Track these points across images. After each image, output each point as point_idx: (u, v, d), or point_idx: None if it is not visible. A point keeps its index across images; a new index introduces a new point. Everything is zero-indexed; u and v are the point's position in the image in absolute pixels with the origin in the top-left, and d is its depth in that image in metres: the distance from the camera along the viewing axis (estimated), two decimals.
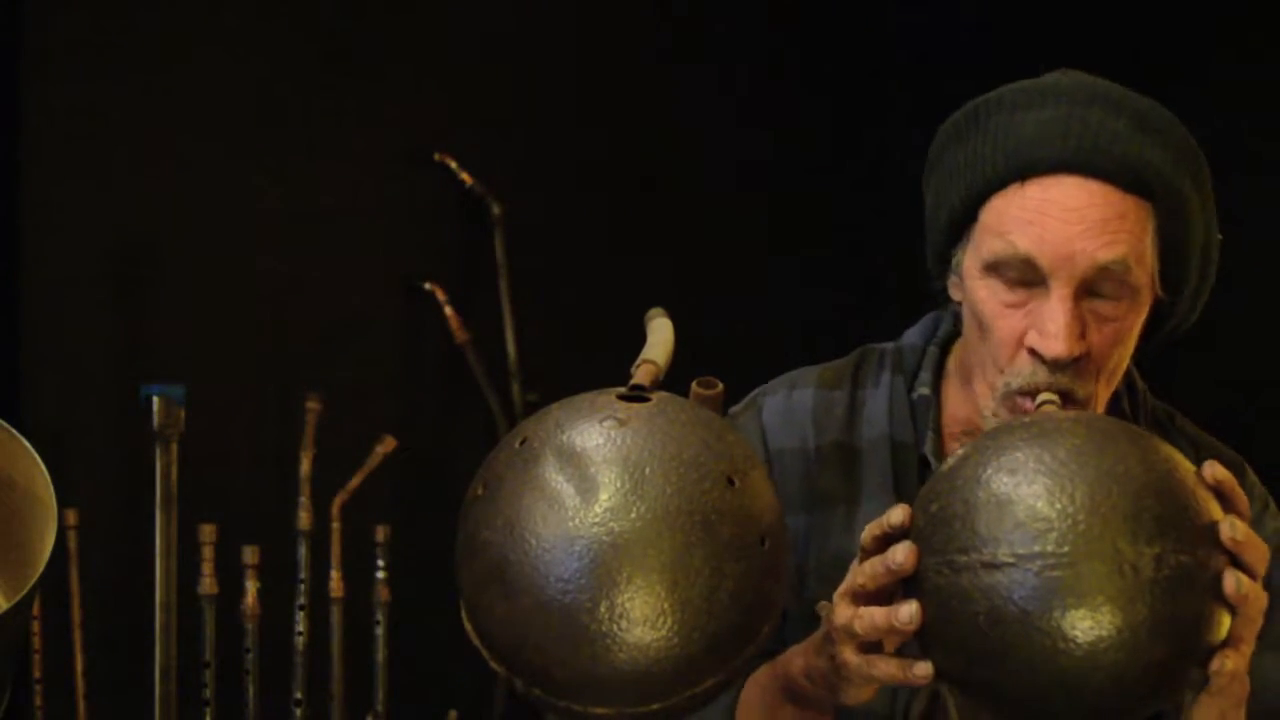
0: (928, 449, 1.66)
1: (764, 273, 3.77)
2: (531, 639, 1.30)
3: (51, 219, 3.16)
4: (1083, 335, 1.54)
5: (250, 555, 3.00)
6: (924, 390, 1.68)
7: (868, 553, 1.40)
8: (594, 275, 3.68)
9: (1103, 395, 1.58)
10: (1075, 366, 1.54)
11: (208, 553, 2.94)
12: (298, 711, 3.06)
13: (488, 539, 1.31)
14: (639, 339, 1.55)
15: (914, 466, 1.66)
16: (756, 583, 1.31)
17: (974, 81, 1.70)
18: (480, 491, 1.34)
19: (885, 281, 3.74)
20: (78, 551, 2.98)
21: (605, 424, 1.31)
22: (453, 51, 3.60)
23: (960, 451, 1.37)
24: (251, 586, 2.99)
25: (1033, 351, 1.55)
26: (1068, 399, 1.54)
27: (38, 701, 2.94)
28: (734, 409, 1.74)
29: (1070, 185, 1.55)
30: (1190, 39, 3.64)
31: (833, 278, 3.74)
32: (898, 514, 1.39)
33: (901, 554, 1.36)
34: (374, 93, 3.48)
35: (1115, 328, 1.55)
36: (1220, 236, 1.63)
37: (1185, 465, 1.33)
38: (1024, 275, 1.55)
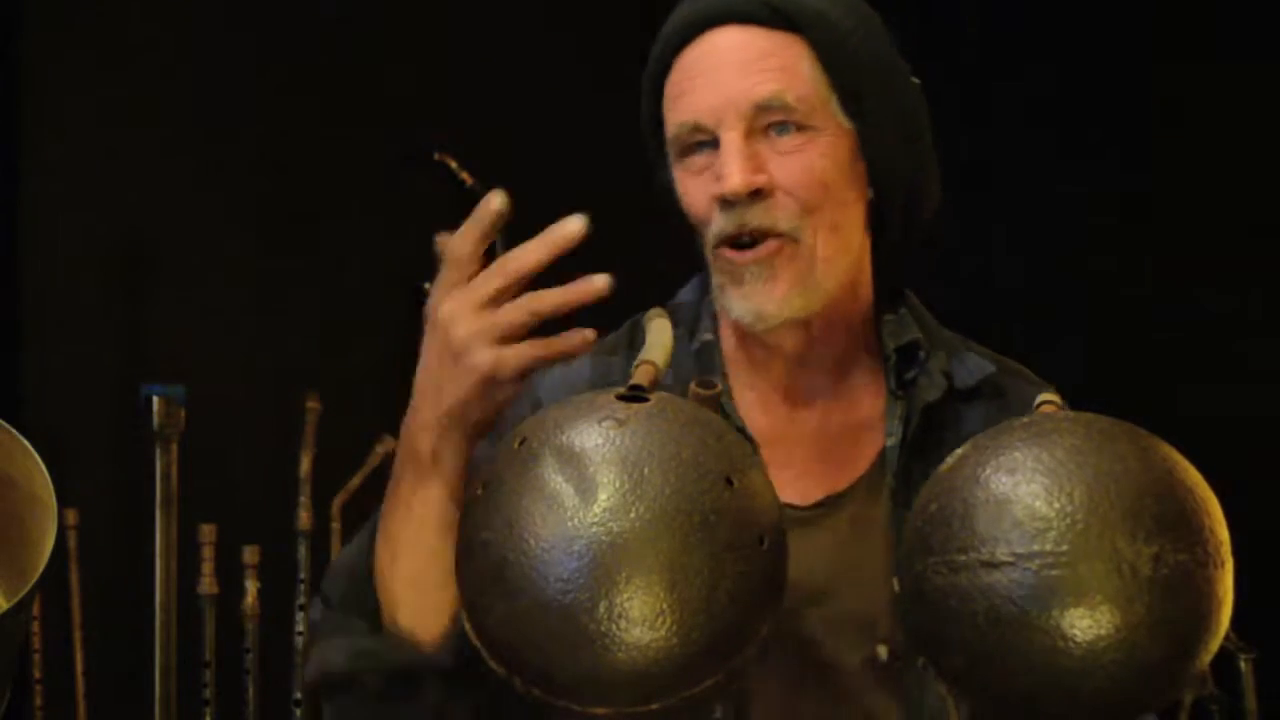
0: None
1: None
2: (531, 639, 1.30)
3: (51, 219, 3.16)
4: (762, 169, 1.53)
5: (250, 555, 3.01)
6: (705, 337, 1.65)
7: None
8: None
9: (826, 243, 1.55)
10: (763, 201, 1.53)
11: (208, 553, 2.95)
12: (298, 711, 3.07)
13: (487, 539, 1.32)
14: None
15: None
16: (756, 583, 1.31)
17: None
18: (479, 492, 1.34)
19: None
20: (78, 551, 2.98)
21: (604, 424, 1.32)
22: (453, 51, 3.60)
23: (959, 451, 1.37)
24: (251, 586, 3.00)
25: (720, 201, 1.54)
26: (765, 234, 1.53)
27: (38, 701, 2.95)
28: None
29: (715, 38, 1.55)
30: None
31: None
32: (496, 199, 1.43)
33: (574, 224, 1.41)
34: (374, 93, 3.48)
35: (800, 159, 1.53)
36: (917, 80, 1.62)
37: (1184, 464, 1.33)
38: (699, 141, 1.55)
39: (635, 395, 1.37)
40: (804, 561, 1.40)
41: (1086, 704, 1.29)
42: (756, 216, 1.53)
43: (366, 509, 3.26)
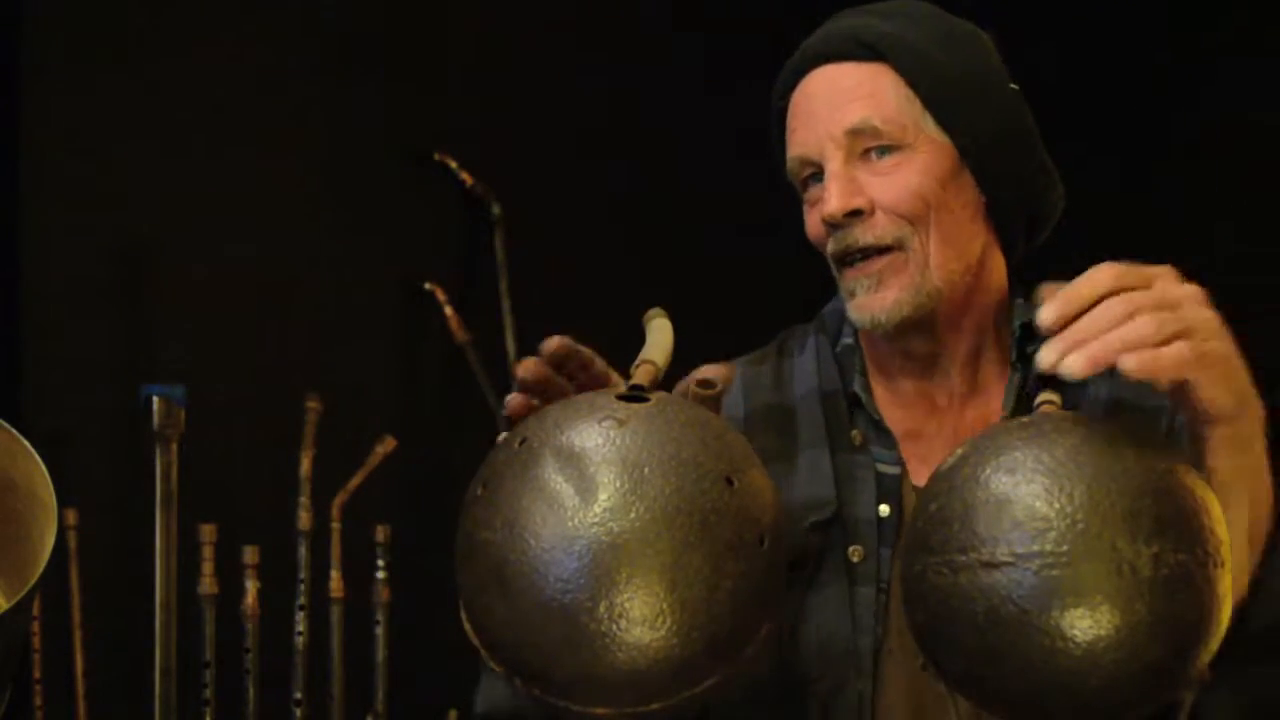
0: (857, 386, 1.72)
1: (764, 272, 3.78)
2: (531, 639, 1.30)
3: (51, 220, 3.16)
4: (860, 192, 1.63)
5: (250, 555, 3.01)
6: (848, 341, 1.75)
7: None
8: (594, 275, 3.68)
9: (937, 250, 1.63)
10: (864, 221, 1.63)
11: (208, 553, 2.95)
12: (298, 711, 3.07)
13: (487, 539, 1.31)
14: (639, 339, 1.55)
15: (844, 408, 1.72)
16: (756, 583, 1.31)
17: None
18: (479, 492, 1.34)
19: None
20: (78, 551, 2.98)
21: (604, 424, 1.31)
22: (453, 51, 3.60)
23: (959, 451, 1.37)
24: (251, 586, 3.00)
25: (828, 225, 1.65)
26: (872, 250, 1.63)
27: (38, 701, 2.95)
28: None
29: (813, 78, 1.67)
30: None
31: (832, 279, 3.73)
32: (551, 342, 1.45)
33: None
34: (374, 93, 3.48)
35: (897, 178, 1.63)
36: (1015, 86, 1.69)
37: (1184, 464, 1.33)
38: (811, 174, 1.66)
39: (635, 395, 1.37)
40: None
41: (1086, 704, 1.29)
42: (859, 235, 1.63)
43: (366, 509, 3.27)
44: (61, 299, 3.17)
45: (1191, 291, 1.35)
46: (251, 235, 3.34)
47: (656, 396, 1.37)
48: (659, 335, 1.51)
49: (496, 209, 3.54)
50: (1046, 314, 1.32)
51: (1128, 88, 3.80)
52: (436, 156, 3.54)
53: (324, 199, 3.43)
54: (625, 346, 1.55)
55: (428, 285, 3.50)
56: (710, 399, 1.42)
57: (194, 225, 3.28)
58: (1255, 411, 1.38)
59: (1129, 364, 1.30)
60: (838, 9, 1.74)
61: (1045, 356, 1.31)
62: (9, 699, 1.74)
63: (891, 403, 1.72)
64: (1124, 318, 1.33)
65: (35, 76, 3.16)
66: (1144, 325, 1.32)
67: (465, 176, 3.55)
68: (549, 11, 3.73)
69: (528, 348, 3.80)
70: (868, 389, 1.71)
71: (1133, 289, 1.34)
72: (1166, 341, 1.33)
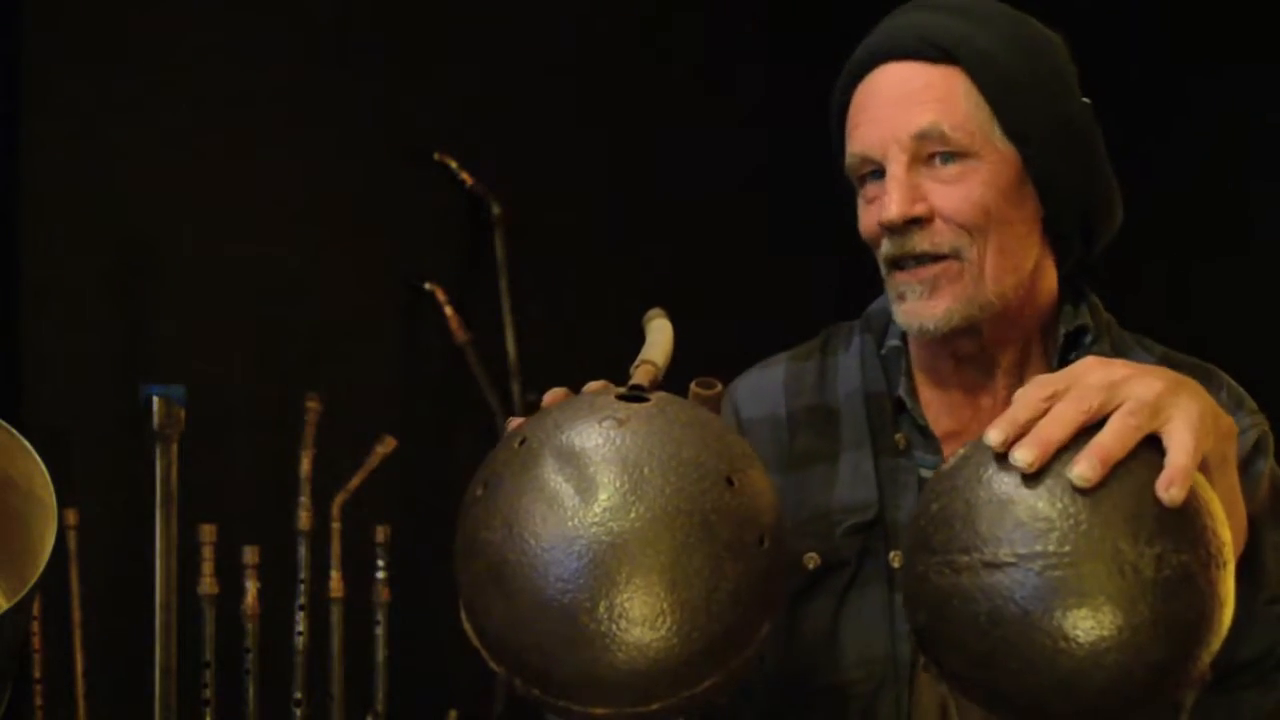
0: (901, 390, 1.70)
1: (764, 273, 3.78)
2: (530, 639, 1.30)
3: (51, 219, 3.16)
4: (922, 199, 1.60)
5: (250, 555, 3.01)
6: (894, 342, 1.73)
7: None
8: (594, 275, 3.68)
9: (993, 262, 1.61)
10: (923, 228, 1.60)
11: (208, 553, 2.95)
12: (298, 711, 3.06)
13: (487, 539, 1.31)
14: (639, 339, 1.55)
15: (889, 411, 1.70)
16: (756, 583, 1.31)
17: None
18: (479, 492, 1.34)
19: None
20: (78, 551, 2.98)
21: (604, 424, 1.31)
22: (453, 51, 3.60)
23: (961, 451, 1.36)
24: (251, 586, 3.00)
25: (885, 228, 1.62)
26: (928, 257, 1.60)
27: (38, 701, 2.94)
28: None
29: (881, 74, 1.64)
30: None
31: (833, 278, 3.74)
32: None
33: None
34: (374, 93, 3.48)
35: (960, 188, 1.60)
36: (1086, 100, 1.67)
37: None
38: (871, 171, 1.64)
39: (635, 395, 1.37)
40: None
41: (1088, 704, 1.28)
42: (918, 242, 1.61)
43: (367, 509, 3.27)
44: (61, 299, 3.16)
45: (1124, 371, 1.30)
46: (251, 235, 3.34)
47: (656, 396, 1.37)
48: (659, 335, 1.51)
49: (496, 209, 3.54)
50: (994, 436, 1.28)
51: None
52: (436, 156, 3.54)
53: (324, 199, 3.42)
54: (625, 346, 1.55)
55: (428, 285, 3.50)
56: (710, 399, 1.42)
57: (194, 225, 3.28)
58: (1226, 430, 1.34)
59: (1175, 494, 1.24)
60: (839, 10, 1.73)
61: (1022, 456, 1.26)
62: (9, 699, 1.74)
63: (936, 404, 1.71)
64: (1085, 417, 1.27)
65: (35, 76, 3.15)
66: (1119, 420, 1.27)
67: (465, 176, 3.54)
68: (549, 12, 3.73)
69: (528, 348, 3.83)
70: (913, 393, 1.70)
71: (1067, 389, 1.29)
72: (1145, 428, 1.27)
